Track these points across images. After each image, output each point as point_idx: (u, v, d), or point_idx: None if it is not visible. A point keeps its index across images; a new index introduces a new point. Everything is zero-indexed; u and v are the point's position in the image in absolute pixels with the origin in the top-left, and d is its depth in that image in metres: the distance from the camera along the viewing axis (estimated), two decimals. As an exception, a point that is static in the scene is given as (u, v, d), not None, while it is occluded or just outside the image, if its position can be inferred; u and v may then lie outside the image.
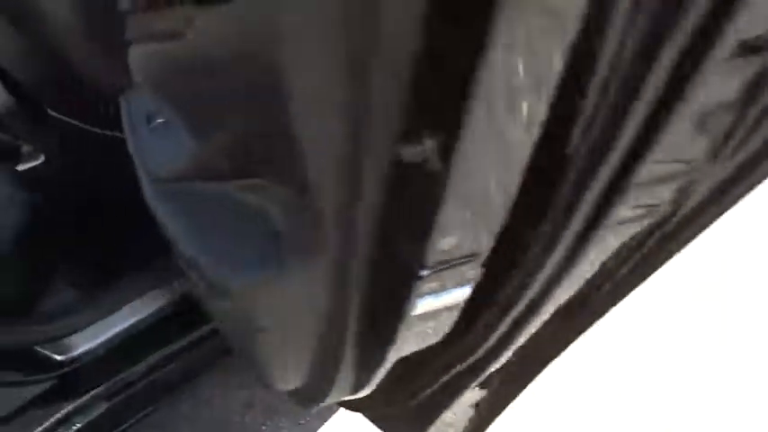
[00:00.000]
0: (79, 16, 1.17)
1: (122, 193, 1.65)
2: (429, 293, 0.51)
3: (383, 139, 0.38)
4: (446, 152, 0.36)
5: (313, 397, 0.83)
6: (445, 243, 0.43)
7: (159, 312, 1.33)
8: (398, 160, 0.37)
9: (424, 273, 0.48)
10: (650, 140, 0.39)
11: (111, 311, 1.31)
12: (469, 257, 0.47)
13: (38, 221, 1.30)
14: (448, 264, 0.47)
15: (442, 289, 0.51)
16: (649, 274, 0.55)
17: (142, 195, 1.58)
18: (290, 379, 0.85)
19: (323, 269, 0.58)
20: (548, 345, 0.68)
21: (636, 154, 0.39)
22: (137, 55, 0.92)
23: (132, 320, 1.30)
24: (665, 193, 0.45)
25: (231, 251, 0.63)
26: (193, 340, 1.31)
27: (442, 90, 0.34)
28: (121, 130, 1.43)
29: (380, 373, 0.70)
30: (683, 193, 0.46)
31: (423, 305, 0.53)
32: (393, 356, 0.62)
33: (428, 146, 0.36)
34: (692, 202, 0.48)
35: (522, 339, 0.63)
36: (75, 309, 1.30)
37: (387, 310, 0.57)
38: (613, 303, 0.60)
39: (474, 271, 0.50)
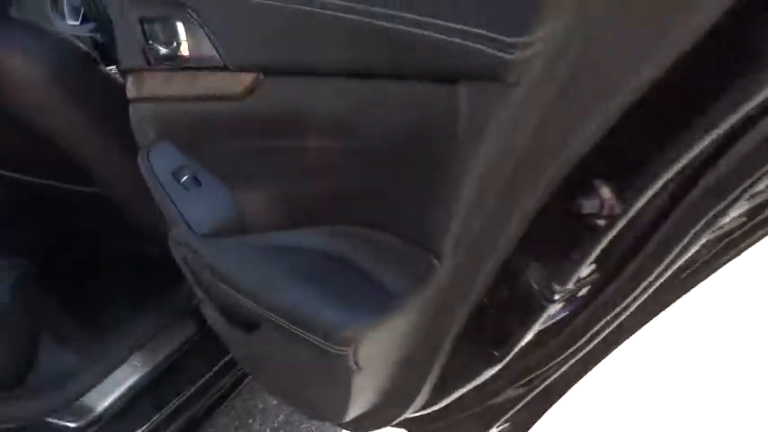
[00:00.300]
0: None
1: (94, 244, 1.58)
2: (547, 314, 0.59)
3: (558, 194, 0.45)
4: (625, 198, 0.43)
5: (385, 417, 0.89)
6: (585, 271, 0.51)
7: (170, 357, 1.30)
8: (576, 212, 0.45)
9: (557, 297, 0.56)
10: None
11: (115, 366, 1.27)
12: (590, 281, 0.56)
13: (20, 285, 1.23)
14: (576, 287, 0.55)
15: (559, 309, 0.59)
16: (708, 276, 0.65)
17: (119, 246, 1.52)
18: (357, 409, 0.90)
19: (436, 307, 0.64)
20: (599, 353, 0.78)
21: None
22: (162, 112, 0.90)
23: (145, 369, 1.27)
24: (743, 216, 0.55)
25: (337, 297, 0.66)
26: (212, 376, 1.30)
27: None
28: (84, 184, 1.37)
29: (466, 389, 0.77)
30: (758, 209, 0.56)
31: (537, 325, 0.61)
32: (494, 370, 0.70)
33: (605, 194, 0.43)
34: (764, 215, 0.58)
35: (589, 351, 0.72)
36: (75, 370, 1.25)
37: (502, 332, 0.64)
38: (665, 305, 0.70)
39: (585, 291, 0.58)
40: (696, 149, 0.41)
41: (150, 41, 0.86)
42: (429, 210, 0.55)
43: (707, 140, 0.40)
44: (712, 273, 0.66)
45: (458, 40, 0.40)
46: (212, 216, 0.88)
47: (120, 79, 1.28)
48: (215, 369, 1.36)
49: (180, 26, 0.80)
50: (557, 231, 0.51)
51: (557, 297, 0.55)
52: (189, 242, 0.88)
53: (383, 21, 0.46)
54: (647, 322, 0.63)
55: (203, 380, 1.32)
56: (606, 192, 0.44)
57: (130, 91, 0.97)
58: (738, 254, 0.63)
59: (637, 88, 0.38)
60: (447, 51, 0.41)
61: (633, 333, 0.68)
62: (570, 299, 0.60)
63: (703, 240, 0.59)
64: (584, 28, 0.35)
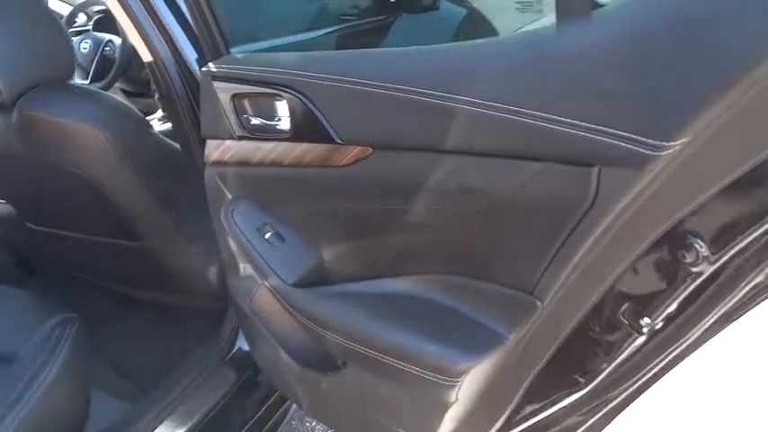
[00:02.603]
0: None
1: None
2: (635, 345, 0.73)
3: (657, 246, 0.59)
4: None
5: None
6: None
7: (215, 406, 1.35)
8: (675, 261, 0.58)
9: (645, 330, 0.69)
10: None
11: (165, 416, 1.31)
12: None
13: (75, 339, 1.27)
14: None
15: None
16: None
17: (156, 298, 1.56)
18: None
19: (531, 341, 0.76)
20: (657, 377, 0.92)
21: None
22: (245, 175, 1.00)
23: (192, 419, 1.31)
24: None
25: (447, 336, 0.77)
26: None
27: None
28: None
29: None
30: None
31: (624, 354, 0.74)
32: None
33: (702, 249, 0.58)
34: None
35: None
36: (127, 423, 1.28)
37: (590, 361, 0.77)
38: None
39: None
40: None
41: (244, 115, 0.98)
42: (540, 262, 0.68)
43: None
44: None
45: (605, 139, 0.54)
46: (300, 267, 0.98)
47: (170, 142, 1.37)
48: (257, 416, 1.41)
49: (280, 104, 0.91)
50: (652, 276, 0.64)
51: (645, 330, 0.68)
52: (279, 290, 0.98)
53: (527, 118, 0.59)
54: (708, 340, 0.77)
55: (247, 426, 1.38)
56: (703, 246, 0.59)
57: (211, 155, 1.07)
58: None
59: (731, 180, 0.53)
60: (591, 145, 0.55)
61: (693, 352, 0.82)
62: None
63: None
64: (702, 142, 0.50)
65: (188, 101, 1.19)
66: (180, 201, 1.41)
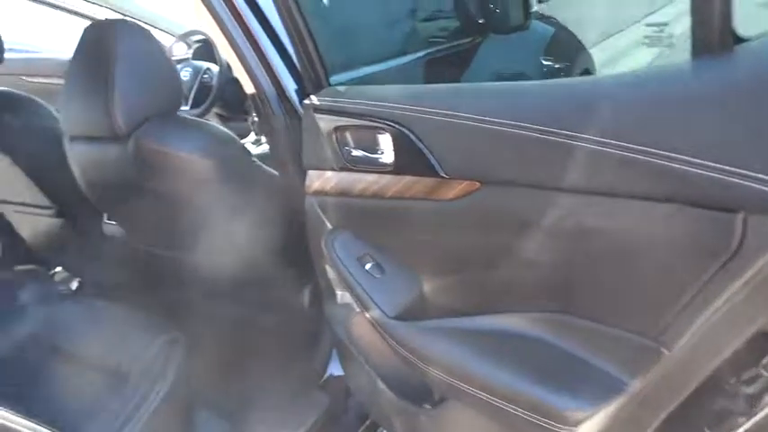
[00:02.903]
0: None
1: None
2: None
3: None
4: None
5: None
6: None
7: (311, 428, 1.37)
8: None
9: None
10: None
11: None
12: None
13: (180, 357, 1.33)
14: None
15: None
16: None
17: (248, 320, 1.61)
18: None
19: (657, 391, 0.71)
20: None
21: None
22: (345, 206, 1.01)
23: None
24: None
25: (561, 382, 0.74)
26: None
27: None
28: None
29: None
30: None
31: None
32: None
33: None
34: None
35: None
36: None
37: (723, 413, 0.71)
38: None
39: None
40: None
41: (345, 147, 0.99)
42: (669, 308, 0.63)
43: None
44: None
45: (753, 185, 0.49)
46: (401, 300, 0.97)
47: (267, 169, 1.42)
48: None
49: (383, 137, 0.92)
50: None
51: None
52: (379, 322, 0.98)
53: (659, 159, 0.56)
54: None
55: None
56: None
57: (312, 185, 1.09)
58: None
59: None
60: (735, 189, 0.51)
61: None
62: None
63: None
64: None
65: (287, 131, 1.22)
66: (276, 224, 1.45)
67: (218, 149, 1.28)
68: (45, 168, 1.58)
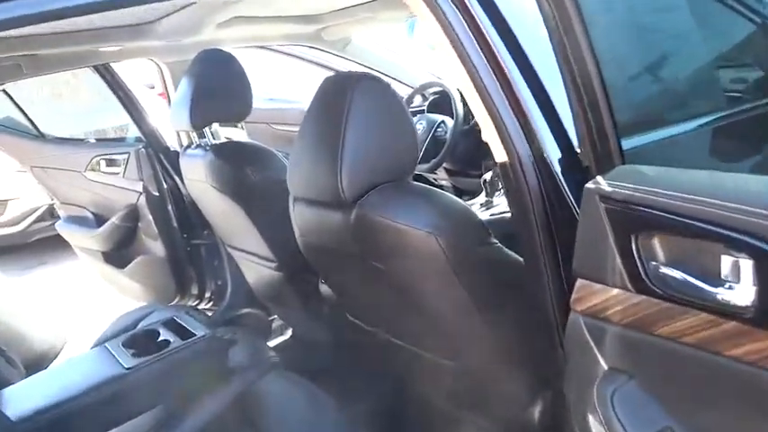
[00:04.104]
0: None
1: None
2: None
3: None
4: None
5: None
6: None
7: None
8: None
9: None
10: None
11: None
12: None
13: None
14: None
15: None
16: None
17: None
18: None
19: None
20: None
21: None
22: (637, 345, 0.68)
23: None
24: None
25: None
26: None
27: None
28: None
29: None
30: None
31: None
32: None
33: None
34: None
35: None
36: None
37: None
38: None
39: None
40: None
41: (650, 260, 0.64)
42: None
43: None
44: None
45: None
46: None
47: (511, 254, 1.13)
48: None
49: (730, 260, 0.55)
50: None
51: None
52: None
53: None
54: None
55: None
56: None
57: (582, 301, 0.77)
58: None
59: None
60: None
61: None
62: None
63: None
64: None
65: (544, 213, 0.92)
66: (510, 322, 1.15)
67: (448, 227, 1.03)
68: (272, 222, 1.53)
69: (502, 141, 0.95)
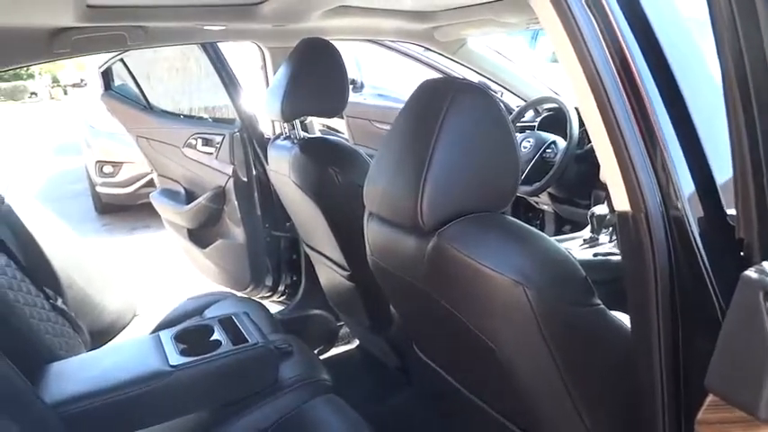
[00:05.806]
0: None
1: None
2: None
3: None
4: None
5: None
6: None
7: None
8: None
9: None
10: None
11: None
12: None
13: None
14: None
15: None
16: None
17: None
18: None
19: None
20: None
21: None
22: None
23: None
24: None
25: None
26: None
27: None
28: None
29: None
30: None
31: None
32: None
33: None
34: None
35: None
36: None
37: None
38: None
39: None
40: None
41: None
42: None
43: None
44: None
45: None
46: None
47: (621, 324, 0.92)
48: None
49: None
50: None
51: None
52: None
53: None
54: None
55: None
56: None
57: (713, 427, 0.56)
58: None
59: None
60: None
61: None
62: None
63: None
64: None
65: (669, 294, 0.71)
66: (603, 402, 0.94)
67: (541, 279, 0.84)
68: (350, 230, 1.41)
69: (626, 184, 0.75)
